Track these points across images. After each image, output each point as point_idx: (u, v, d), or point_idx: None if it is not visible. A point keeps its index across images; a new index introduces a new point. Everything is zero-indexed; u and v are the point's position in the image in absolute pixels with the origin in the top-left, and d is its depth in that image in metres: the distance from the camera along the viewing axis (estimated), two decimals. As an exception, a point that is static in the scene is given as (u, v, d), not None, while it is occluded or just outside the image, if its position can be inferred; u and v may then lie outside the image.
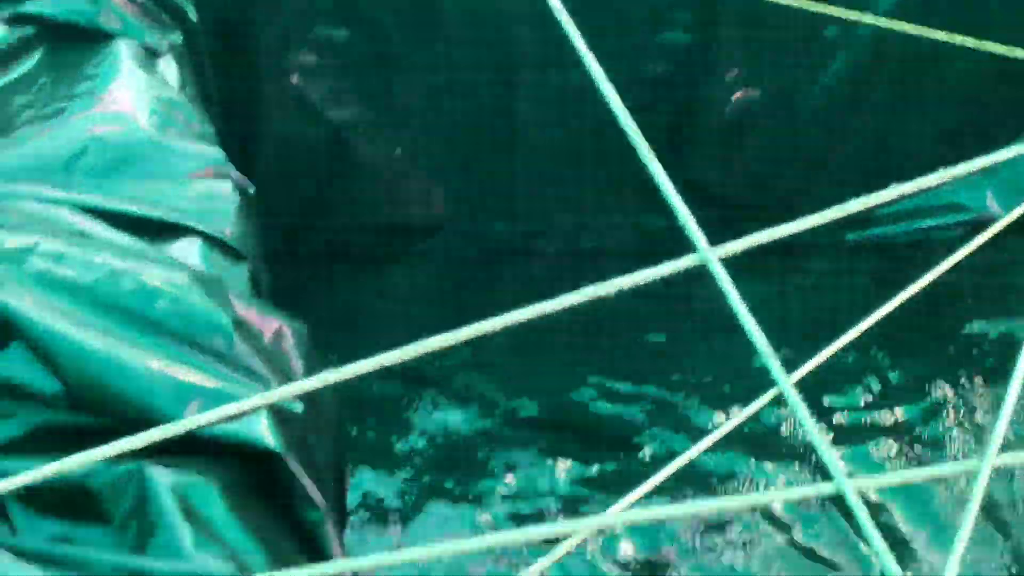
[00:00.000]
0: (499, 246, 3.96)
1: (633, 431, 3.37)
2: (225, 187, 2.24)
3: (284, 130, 3.74)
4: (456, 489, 3.19)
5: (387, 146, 3.85)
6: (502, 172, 3.97)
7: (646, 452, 3.24)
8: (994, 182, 4.05)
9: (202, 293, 1.87)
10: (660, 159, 2.17)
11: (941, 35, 3.21)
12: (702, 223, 1.68)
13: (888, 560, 1.62)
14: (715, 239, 1.63)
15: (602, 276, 1.77)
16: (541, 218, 3.98)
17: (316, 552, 1.76)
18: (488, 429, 3.42)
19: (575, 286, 1.79)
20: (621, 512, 1.68)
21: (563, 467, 3.29)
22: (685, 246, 2.01)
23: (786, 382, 1.83)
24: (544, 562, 1.67)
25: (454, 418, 3.43)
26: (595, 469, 3.28)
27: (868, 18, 3.60)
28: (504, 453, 3.32)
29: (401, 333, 1.76)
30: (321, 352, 2.08)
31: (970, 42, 3.22)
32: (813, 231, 3.87)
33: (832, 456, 1.76)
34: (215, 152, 2.31)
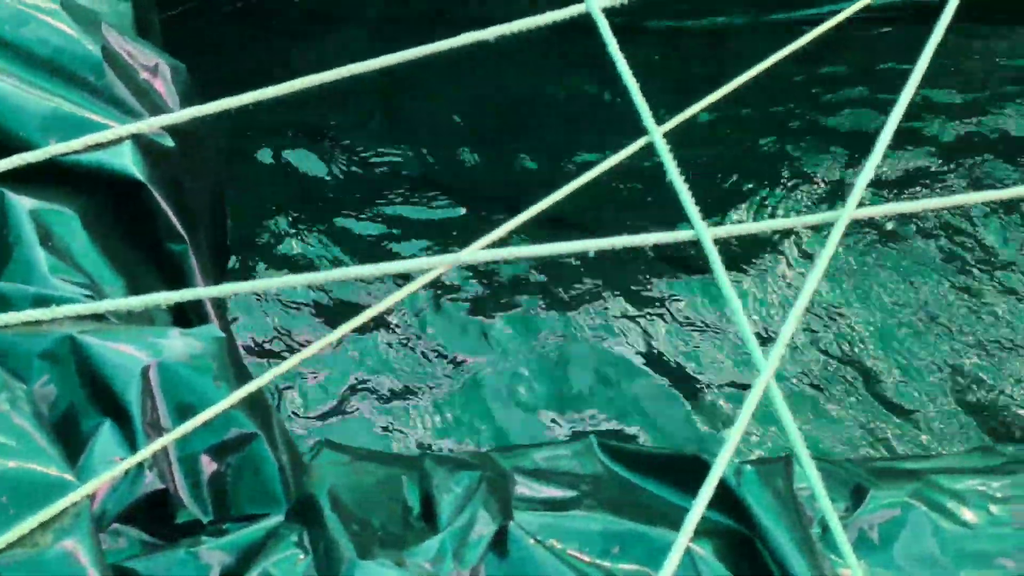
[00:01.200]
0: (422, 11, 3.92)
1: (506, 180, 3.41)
2: None
3: None
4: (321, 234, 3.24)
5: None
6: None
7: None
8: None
9: (72, 21, 1.84)
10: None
11: None
12: None
13: (729, 289, 1.67)
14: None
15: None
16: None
17: (179, 281, 1.77)
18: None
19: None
20: (478, 251, 1.71)
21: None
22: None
23: (656, 132, 1.86)
24: (398, 295, 1.70)
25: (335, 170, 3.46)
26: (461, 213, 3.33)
27: None
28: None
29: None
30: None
31: None
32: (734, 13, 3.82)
33: (691, 203, 1.79)
34: None
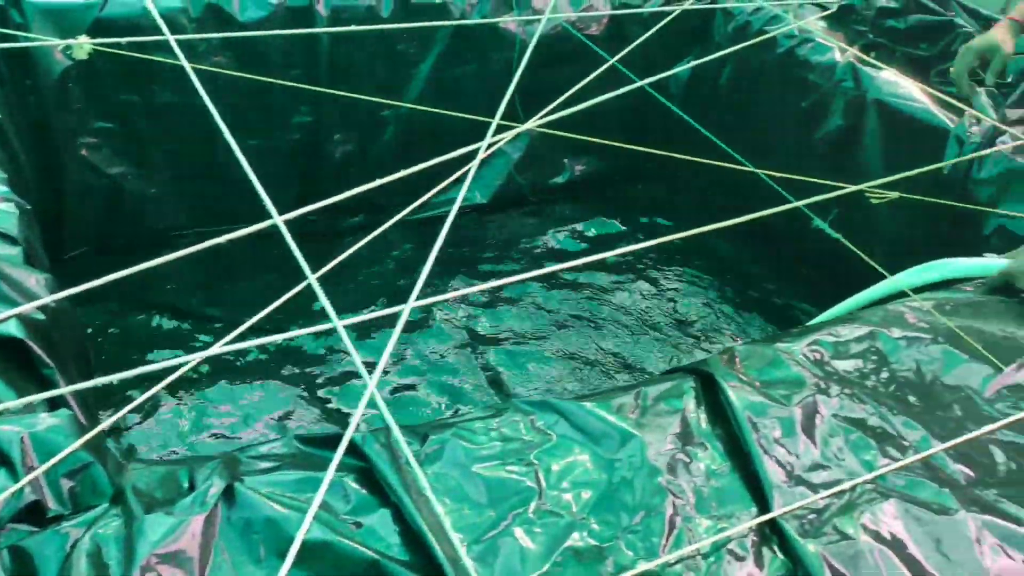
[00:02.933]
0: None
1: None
2: (10, 205, 2.09)
3: (81, 180, 3.46)
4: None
5: (143, 186, 3.63)
6: (211, 200, 3.80)
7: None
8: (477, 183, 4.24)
9: (-24, 260, 1.76)
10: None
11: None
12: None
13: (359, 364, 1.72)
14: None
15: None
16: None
17: (50, 388, 1.69)
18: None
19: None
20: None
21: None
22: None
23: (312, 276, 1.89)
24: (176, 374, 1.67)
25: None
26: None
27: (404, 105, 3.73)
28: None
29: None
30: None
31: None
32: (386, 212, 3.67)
33: (330, 307, 1.82)
34: (4, 188, 2.14)
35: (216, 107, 3.26)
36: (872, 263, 2.66)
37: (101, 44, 2.87)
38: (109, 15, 3.15)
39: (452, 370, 3.23)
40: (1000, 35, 2.93)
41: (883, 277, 2.66)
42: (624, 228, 4.47)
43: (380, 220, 4.04)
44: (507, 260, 4.07)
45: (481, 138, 3.28)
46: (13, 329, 1.65)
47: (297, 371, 3.05)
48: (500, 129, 3.04)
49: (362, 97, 3.55)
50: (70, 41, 2.82)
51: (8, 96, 2.88)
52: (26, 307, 1.70)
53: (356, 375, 3.07)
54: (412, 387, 3.14)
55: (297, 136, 3.80)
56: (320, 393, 3.02)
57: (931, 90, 3.54)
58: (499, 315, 3.60)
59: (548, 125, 3.05)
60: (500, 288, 3.55)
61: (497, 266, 4.00)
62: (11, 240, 1.98)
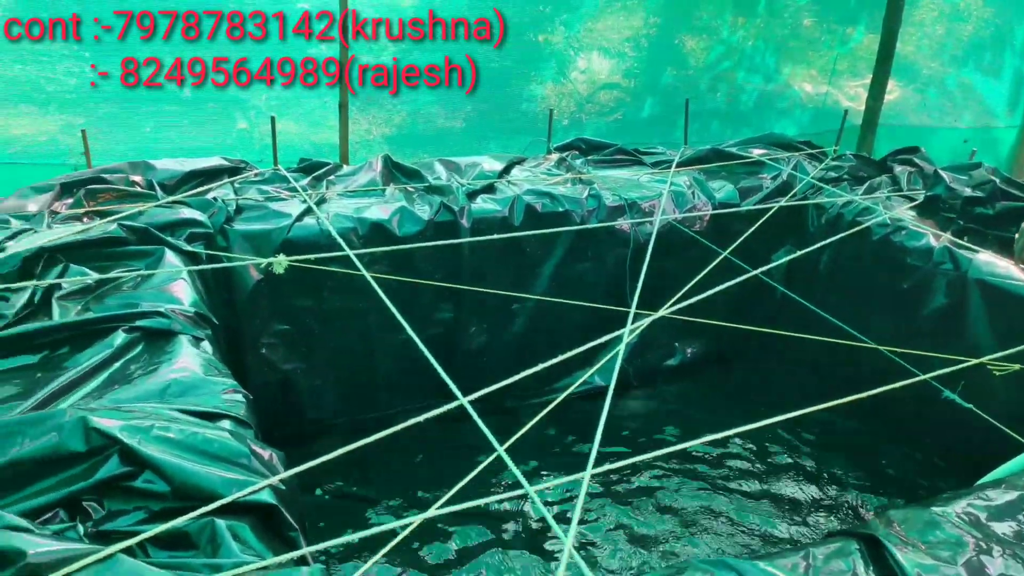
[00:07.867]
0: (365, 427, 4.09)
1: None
2: (239, 396, 2.41)
3: (259, 376, 3.85)
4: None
5: (309, 380, 3.99)
6: (365, 390, 4.13)
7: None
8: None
9: (233, 439, 2.06)
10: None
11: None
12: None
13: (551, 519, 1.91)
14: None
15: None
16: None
17: (294, 548, 1.91)
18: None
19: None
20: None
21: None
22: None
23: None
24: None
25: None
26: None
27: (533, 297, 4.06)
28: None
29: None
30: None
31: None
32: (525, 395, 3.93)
33: (519, 472, 2.04)
34: (233, 382, 2.47)
35: (373, 309, 3.67)
36: (1008, 431, 2.73)
37: (295, 260, 3.39)
38: (293, 236, 3.68)
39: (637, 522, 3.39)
40: None
41: (1017, 442, 2.72)
42: (735, 405, 4.60)
43: (511, 405, 4.36)
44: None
45: (598, 325, 3.58)
46: (267, 497, 1.92)
47: (493, 534, 3.25)
48: (633, 317, 3.36)
49: (496, 292, 3.95)
50: (272, 260, 3.36)
51: (215, 306, 3.35)
52: (273, 480, 1.99)
53: (544, 534, 3.22)
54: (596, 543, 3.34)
55: (440, 331, 4.18)
56: (517, 552, 3.19)
57: (1029, 269, 3.71)
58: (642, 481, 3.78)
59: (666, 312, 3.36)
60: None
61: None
62: (246, 424, 2.31)
